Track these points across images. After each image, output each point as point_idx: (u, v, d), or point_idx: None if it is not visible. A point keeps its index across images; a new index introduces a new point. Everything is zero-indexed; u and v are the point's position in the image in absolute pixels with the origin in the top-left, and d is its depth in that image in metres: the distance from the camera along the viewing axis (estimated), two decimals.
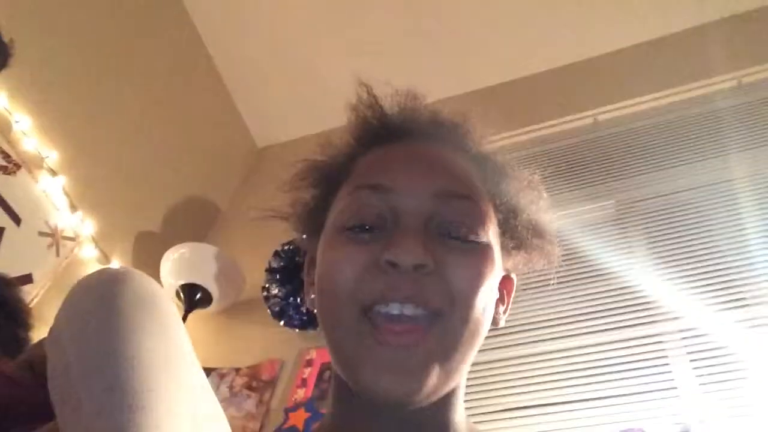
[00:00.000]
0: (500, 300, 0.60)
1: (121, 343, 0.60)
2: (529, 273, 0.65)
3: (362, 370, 0.49)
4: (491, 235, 0.56)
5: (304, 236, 0.65)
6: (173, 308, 0.69)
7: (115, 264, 2.20)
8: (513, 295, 0.63)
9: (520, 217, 0.62)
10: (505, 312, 0.62)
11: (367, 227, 0.54)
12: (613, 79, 2.45)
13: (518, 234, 0.62)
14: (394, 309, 0.49)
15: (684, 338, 1.62)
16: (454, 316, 0.51)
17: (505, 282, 0.62)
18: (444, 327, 0.50)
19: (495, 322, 0.59)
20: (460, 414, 0.57)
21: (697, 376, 1.54)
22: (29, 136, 2.03)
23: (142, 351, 0.59)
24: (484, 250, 0.54)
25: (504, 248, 0.60)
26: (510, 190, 0.61)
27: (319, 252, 0.57)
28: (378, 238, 0.53)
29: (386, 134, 0.62)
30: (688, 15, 2.46)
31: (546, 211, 0.64)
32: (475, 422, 0.63)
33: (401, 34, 2.69)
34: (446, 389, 0.52)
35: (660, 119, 2.24)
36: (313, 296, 0.59)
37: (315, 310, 0.58)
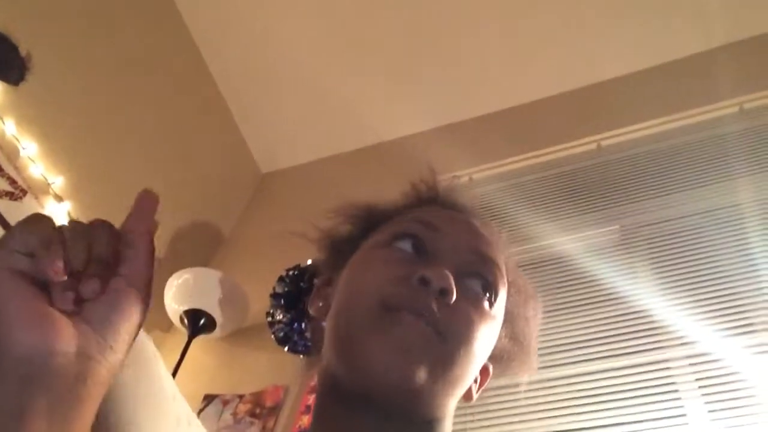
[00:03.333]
0: (474, 381, 0.63)
1: None
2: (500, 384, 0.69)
3: (370, 347, 0.52)
4: (499, 308, 0.62)
5: (327, 259, 0.69)
6: (153, 348, 0.73)
7: None
8: (485, 385, 0.66)
9: (521, 311, 0.68)
10: (477, 392, 0.65)
11: (410, 241, 0.59)
12: (616, 104, 2.46)
13: (512, 327, 0.67)
14: (411, 318, 0.52)
15: (692, 364, 1.61)
16: (454, 344, 0.54)
17: (483, 369, 0.64)
18: (445, 346, 0.53)
19: (469, 395, 0.62)
20: None
21: (705, 402, 1.52)
22: (36, 162, 2.05)
23: (122, 389, 0.62)
24: (492, 316, 0.60)
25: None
26: (519, 288, 0.68)
27: (348, 268, 0.61)
28: (414, 261, 0.57)
29: (437, 200, 0.70)
30: (691, 41, 2.48)
31: (537, 330, 0.70)
32: None
33: (408, 59, 2.71)
34: (432, 401, 0.54)
35: (664, 144, 2.25)
36: (320, 304, 0.64)
37: (315, 318, 0.63)
